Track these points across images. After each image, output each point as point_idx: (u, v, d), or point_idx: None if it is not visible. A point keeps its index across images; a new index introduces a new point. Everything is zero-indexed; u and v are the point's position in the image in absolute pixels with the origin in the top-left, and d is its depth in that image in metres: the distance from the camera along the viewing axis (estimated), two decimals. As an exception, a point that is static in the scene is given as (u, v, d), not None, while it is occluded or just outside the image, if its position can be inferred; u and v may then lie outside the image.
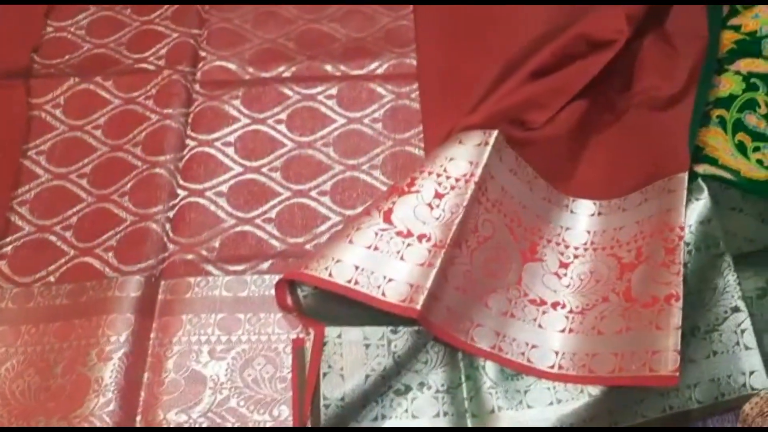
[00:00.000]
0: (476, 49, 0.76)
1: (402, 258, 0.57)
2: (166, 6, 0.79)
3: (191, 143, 0.70)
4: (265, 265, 0.64)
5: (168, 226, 0.65)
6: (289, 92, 0.74)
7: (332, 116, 0.73)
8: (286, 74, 0.75)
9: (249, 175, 0.68)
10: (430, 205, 0.59)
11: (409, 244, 0.57)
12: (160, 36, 0.77)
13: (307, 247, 0.64)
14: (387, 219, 0.58)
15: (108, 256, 0.63)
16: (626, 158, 0.66)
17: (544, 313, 0.60)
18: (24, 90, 0.72)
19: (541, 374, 0.57)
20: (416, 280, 0.55)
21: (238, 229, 0.65)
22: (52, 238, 0.64)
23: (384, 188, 0.68)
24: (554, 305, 0.60)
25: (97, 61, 0.75)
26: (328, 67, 0.76)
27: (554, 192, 0.65)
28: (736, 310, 0.57)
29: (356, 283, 0.56)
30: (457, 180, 0.60)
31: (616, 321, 0.57)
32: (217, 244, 0.64)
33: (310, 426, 0.55)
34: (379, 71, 0.76)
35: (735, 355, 0.56)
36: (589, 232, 0.64)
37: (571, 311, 0.60)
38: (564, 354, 0.57)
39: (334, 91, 0.74)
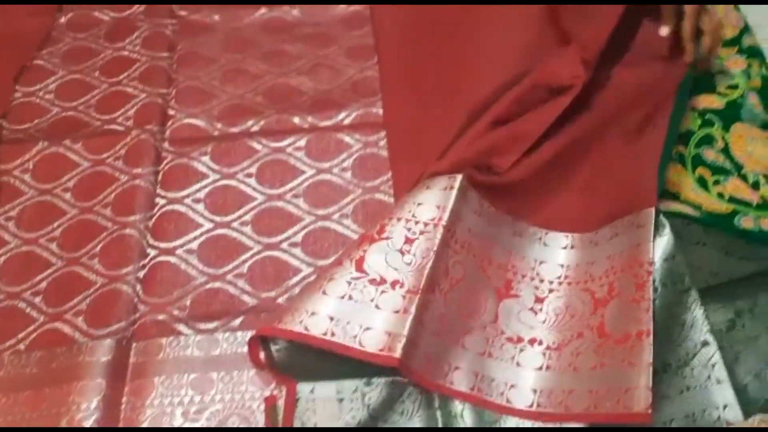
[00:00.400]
0: (440, 97, 0.77)
1: (377, 306, 0.57)
2: (134, 67, 0.81)
3: (161, 201, 0.70)
4: (237, 322, 0.63)
5: (138, 286, 0.65)
6: (258, 146, 0.75)
7: (301, 168, 0.74)
8: (255, 128, 0.76)
9: (219, 231, 0.69)
10: (401, 251, 0.59)
11: (383, 291, 0.58)
12: (128, 97, 0.78)
13: (279, 300, 0.64)
14: (359, 267, 0.59)
15: (78, 321, 0.62)
16: (596, 192, 0.67)
17: (521, 350, 0.60)
18: None
19: (520, 414, 0.57)
20: (393, 328, 0.55)
21: (209, 286, 0.65)
22: (22, 305, 0.64)
23: (355, 236, 0.69)
24: (531, 342, 0.61)
25: (66, 124, 0.76)
26: (297, 120, 0.77)
27: (524, 225, 0.65)
28: (705, 344, 0.58)
29: (332, 334, 0.55)
30: (425, 225, 0.61)
31: (590, 357, 0.57)
32: (188, 303, 0.64)
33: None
34: (347, 121, 0.77)
35: (708, 390, 0.57)
36: (562, 266, 0.64)
37: (548, 347, 0.60)
38: (542, 392, 0.58)
39: (302, 142, 0.75)
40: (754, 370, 0.61)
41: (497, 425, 0.56)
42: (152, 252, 0.67)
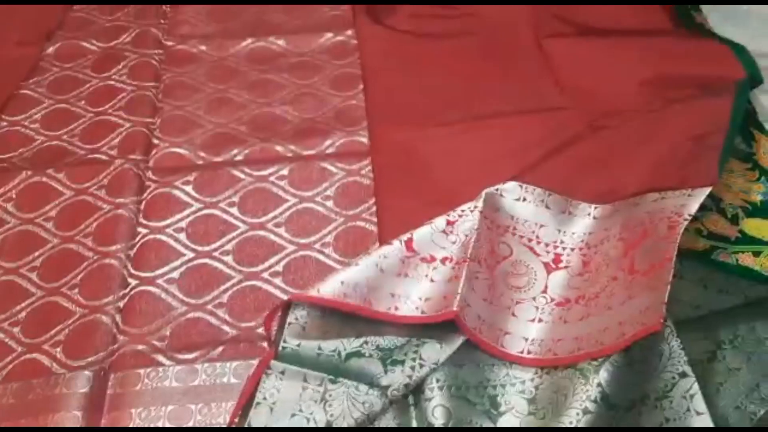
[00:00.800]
0: (428, 126, 0.79)
1: (432, 280, 0.62)
2: (120, 96, 0.82)
3: (143, 231, 0.71)
4: (216, 352, 0.63)
5: (118, 317, 0.65)
6: (241, 175, 0.75)
7: (284, 196, 0.74)
8: (239, 157, 0.77)
9: (200, 260, 0.69)
10: (444, 231, 0.64)
11: (434, 268, 0.63)
12: (113, 126, 0.79)
13: (259, 330, 0.64)
14: (409, 248, 0.63)
15: (56, 352, 0.62)
16: (657, 173, 0.68)
17: (568, 310, 0.64)
18: None
19: (563, 360, 0.60)
20: (448, 291, 0.60)
21: (190, 316, 0.65)
22: (0, 335, 0.64)
23: (336, 265, 0.69)
24: (577, 300, 0.64)
25: (50, 153, 0.77)
26: (280, 149, 0.78)
27: (573, 203, 0.67)
28: (683, 375, 0.58)
29: (396, 309, 0.61)
30: (462, 210, 0.65)
31: (621, 294, 0.61)
32: (167, 333, 0.64)
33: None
34: (330, 150, 0.78)
35: (687, 422, 0.57)
36: (607, 229, 0.67)
37: (589, 299, 0.64)
38: (580, 337, 0.61)
39: (285, 171, 0.76)
40: (736, 402, 0.61)
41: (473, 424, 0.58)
42: (133, 282, 0.67)
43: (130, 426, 0.59)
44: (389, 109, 0.81)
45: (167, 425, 0.59)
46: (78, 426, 0.57)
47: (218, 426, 0.59)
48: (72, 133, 0.79)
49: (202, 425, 0.59)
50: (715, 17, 0.91)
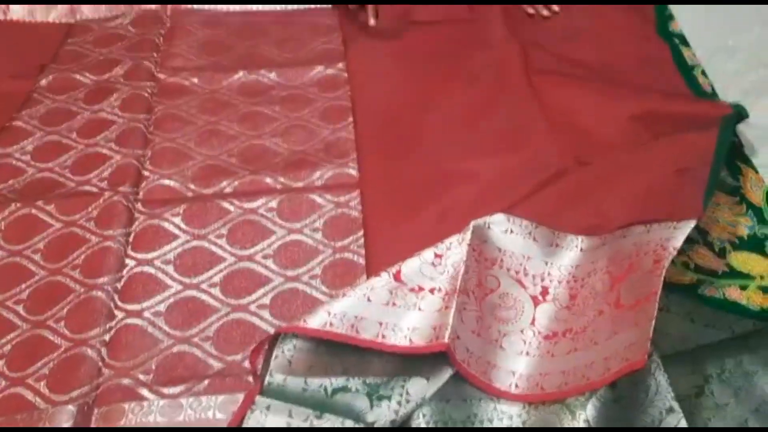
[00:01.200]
0: (417, 160, 0.81)
1: (420, 309, 0.62)
2: (111, 128, 0.84)
3: (130, 263, 0.71)
4: (202, 386, 0.63)
5: (104, 350, 0.65)
6: (230, 207, 0.76)
7: (272, 228, 0.75)
8: (228, 189, 0.79)
9: (188, 292, 0.70)
10: (432, 263, 0.65)
11: (423, 297, 0.63)
12: (104, 158, 0.81)
13: (245, 364, 0.65)
14: (397, 278, 0.64)
15: (40, 386, 0.62)
16: (642, 204, 0.69)
17: (556, 343, 0.64)
18: None
19: (549, 396, 0.61)
20: (437, 321, 0.60)
21: (176, 349, 0.66)
22: (-16, 368, 0.64)
23: (323, 298, 0.70)
24: (564, 333, 0.64)
25: (40, 185, 0.78)
26: (269, 180, 0.79)
27: (561, 235, 0.68)
28: (670, 411, 0.58)
29: (383, 337, 0.61)
30: (450, 243, 0.66)
31: (607, 329, 0.62)
32: (153, 366, 0.64)
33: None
34: (319, 182, 0.79)
35: (675, 457, 0.57)
36: (593, 262, 0.67)
37: (576, 333, 0.64)
38: (567, 372, 0.62)
39: (274, 203, 0.77)
40: (724, 438, 0.62)
41: None
42: (119, 314, 0.68)
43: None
44: (378, 143, 0.83)
45: (150, 461, 0.59)
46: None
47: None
48: (63, 165, 0.80)
49: (186, 461, 0.59)
50: (701, 52, 0.93)
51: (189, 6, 1.01)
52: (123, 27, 0.99)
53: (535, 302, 0.66)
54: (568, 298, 0.66)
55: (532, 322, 0.65)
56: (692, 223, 0.63)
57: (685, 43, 0.95)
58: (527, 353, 0.64)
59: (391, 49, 0.94)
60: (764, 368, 0.65)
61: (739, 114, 0.78)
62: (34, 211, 0.75)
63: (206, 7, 1.02)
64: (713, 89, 0.88)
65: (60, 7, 1.01)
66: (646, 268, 0.62)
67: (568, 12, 1.00)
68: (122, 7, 1.01)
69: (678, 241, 0.63)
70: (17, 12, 1.01)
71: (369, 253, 0.73)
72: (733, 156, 0.78)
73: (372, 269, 0.71)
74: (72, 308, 0.68)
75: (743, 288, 0.67)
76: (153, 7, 1.01)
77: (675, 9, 0.99)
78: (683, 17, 0.98)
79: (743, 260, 0.70)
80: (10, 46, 0.94)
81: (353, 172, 0.81)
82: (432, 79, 0.89)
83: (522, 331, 0.65)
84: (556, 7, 1.00)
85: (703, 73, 0.91)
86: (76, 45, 0.96)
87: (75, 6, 1.01)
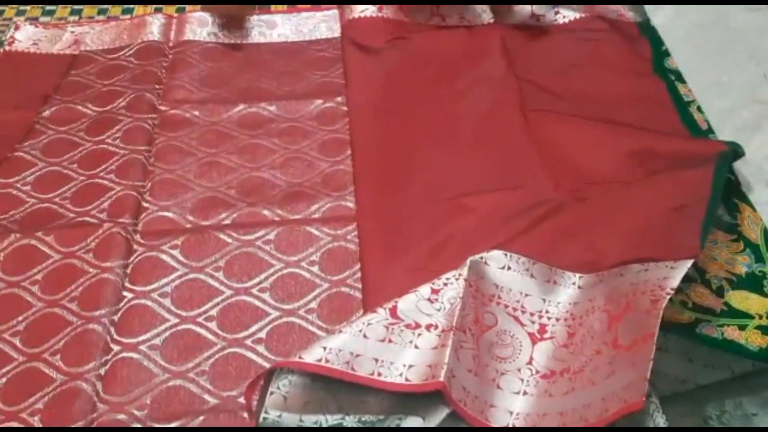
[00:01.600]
0: (415, 194, 0.82)
1: (416, 346, 0.63)
2: (112, 160, 0.85)
3: (128, 295, 0.72)
4: (197, 422, 0.64)
5: (99, 384, 0.65)
6: (228, 239, 0.78)
7: (270, 261, 0.76)
8: (227, 221, 0.80)
9: (184, 326, 0.70)
10: (429, 299, 0.65)
11: (419, 334, 0.63)
12: (104, 189, 0.82)
13: (241, 400, 0.65)
14: (393, 314, 0.64)
15: (34, 420, 0.63)
16: (638, 241, 0.70)
17: (553, 383, 0.64)
18: None
19: None
20: (434, 360, 0.60)
21: (171, 383, 0.66)
22: (-23, 402, 0.65)
23: (320, 333, 0.70)
24: (562, 373, 0.64)
25: (40, 215, 0.79)
26: (267, 213, 0.81)
27: (558, 272, 0.69)
28: (669, 453, 0.59)
29: (379, 374, 0.61)
30: (447, 278, 0.66)
31: (605, 369, 0.61)
32: (148, 401, 0.65)
33: None
34: (317, 215, 0.81)
35: (672, 498, 0.57)
36: (591, 300, 0.68)
37: (574, 372, 0.64)
38: (565, 412, 0.61)
39: (272, 236, 0.78)
40: (724, 480, 0.62)
41: None
42: (115, 348, 0.68)
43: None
44: (376, 176, 0.84)
45: (142, 499, 0.59)
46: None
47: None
48: (63, 196, 0.82)
49: (178, 499, 0.60)
50: (698, 88, 0.95)
51: (191, 38, 1.04)
52: (126, 59, 1.01)
53: (533, 340, 0.67)
54: (566, 337, 0.67)
55: (530, 361, 0.66)
56: (689, 263, 0.64)
57: (681, 79, 0.97)
58: (525, 392, 0.64)
59: (390, 83, 0.96)
60: (764, 410, 0.65)
61: (735, 151, 0.79)
62: (33, 241, 0.76)
63: (208, 39, 1.04)
64: (709, 125, 0.90)
65: (65, 38, 1.04)
66: (644, 308, 0.63)
67: (565, 47, 1.03)
68: (126, 39, 1.04)
69: (675, 281, 0.63)
70: (22, 43, 1.04)
71: (366, 287, 0.74)
72: (730, 193, 0.79)
73: (369, 303, 0.72)
74: (68, 341, 0.68)
75: (742, 328, 0.67)
76: (155, 39, 1.04)
77: (669, 45, 1.02)
78: (677, 53, 1.00)
79: (741, 299, 0.70)
80: (14, 77, 0.96)
81: (351, 205, 0.82)
82: (430, 113, 0.91)
83: (519, 370, 0.65)
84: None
85: (699, 109, 0.92)
86: (80, 76, 0.98)
87: (79, 38, 1.04)
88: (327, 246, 0.78)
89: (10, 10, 1.11)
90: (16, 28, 1.06)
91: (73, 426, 0.62)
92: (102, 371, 0.67)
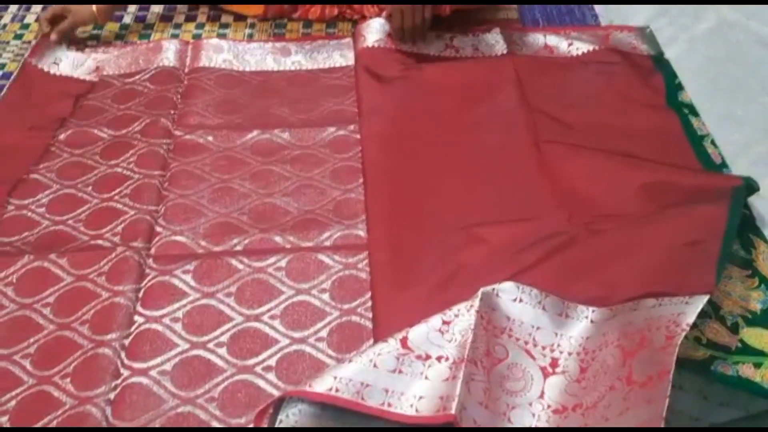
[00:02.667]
0: (427, 224, 0.84)
1: (426, 377, 0.64)
2: (126, 183, 0.89)
3: (139, 320, 0.74)
4: (205, 449, 0.65)
5: (108, 409, 0.67)
6: (240, 265, 0.80)
7: (281, 288, 0.78)
8: (238, 247, 0.82)
9: (194, 352, 0.72)
10: (440, 330, 0.67)
11: (430, 365, 0.65)
12: (118, 213, 0.85)
13: (250, 427, 0.67)
14: (404, 345, 0.66)
15: (43, 443, 0.65)
16: (652, 275, 0.71)
17: (565, 418, 0.65)
18: None
19: None
20: (445, 392, 0.62)
21: (180, 410, 0.68)
22: (-12, 424, 0.66)
23: (330, 361, 0.72)
24: (574, 408, 0.65)
25: (53, 238, 0.82)
26: (279, 239, 0.83)
27: (570, 305, 0.70)
28: (683, 492, 0.60)
29: (389, 405, 0.62)
30: (459, 310, 0.68)
31: (619, 405, 0.62)
32: (157, 427, 0.66)
33: None
34: (328, 243, 0.83)
35: None
36: (604, 334, 0.69)
37: (586, 408, 0.65)
38: None
39: (283, 263, 0.80)
40: None
41: None
42: (125, 372, 0.70)
43: None
44: (388, 205, 0.86)
45: None
46: None
47: None
48: (77, 219, 0.84)
49: None
50: (711, 122, 0.98)
51: (206, 65, 1.08)
52: (141, 83, 1.05)
53: (545, 374, 0.68)
54: (579, 371, 0.68)
55: (541, 395, 0.67)
56: (705, 299, 0.65)
57: (695, 113, 0.99)
58: (536, 427, 0.65)
59: (403, 112, 0.99)
60: (778, 449, 0.66)
61: (750, 186, 0.81)
62: (46, 264, 0.79)
63: (222, 66, 1.08)
64: (723, 159, 0.92)
65: (86, 65, 1.08)
66: (659, 344, 0.64)
67: (578, 79, 1.06)
68: (141, 64, 1.08)
69: (690, 317, 0.64)
70: (43, 59, 1.08)
71: (376, 317, 0.75)
72: (745, 228, 0.81)
73: (379, 333, 0.73)
74: (79, 365, 0.70)
75: (757, 366, 0.68)
76: (171, 65, 1.08)
77: (682, 79, 1.04)
78: (690, 87, 1.03)
79: (757, 336, 0.71)
80: (31, 96, 1.00)
81: (362, 233, 0.84)
82: (443, 144, 0.93)
83: (530, 404, 0.66)
84: None
85: (713, 143, 0.95)
86: (97, 100, 1.02)
87: (101, 65, 1.08)
88: (338, 274, 0.80)
89: (29, 34, 1.15)
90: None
91: (81, 450, 0.64)
92: (112, 396, 0.68)
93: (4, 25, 1.17)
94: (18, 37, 1.14)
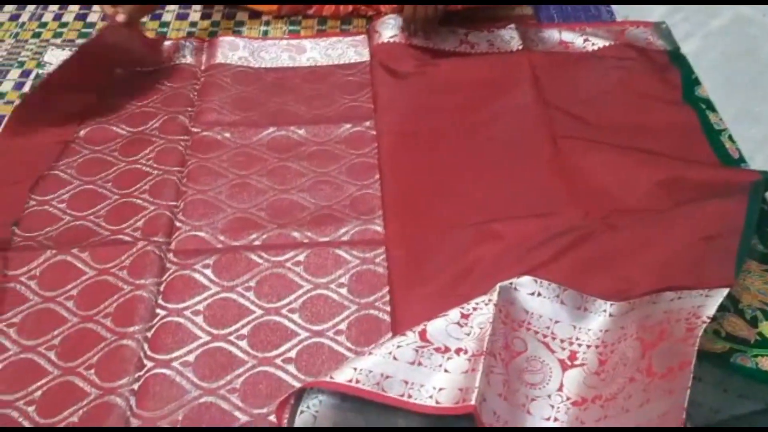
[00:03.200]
0: (443, 219, 0.86)
1: (446, 370, 0.66)
2: (146, 179, 0.91)
3: (161, 312, 0.77)
4: (228, 439, 0.68)
5: (132, 399, 0.69)
6: (259, 260, 0.82)
7: (299, 282, 0.80)
8: (257, 242, 0.84)
9: (216, 344, 0.74)
10: (458, 323, 0.68)
11: (449, 358, 0.66)
12: (138, 209, 0.87)
13: (271, 418, 0.69)
14: (423, 338, 0.67)
15: (69, 434, 0.67)
16: (670, 269, 0.72)
17: (585, 410, 0.66)
18: (1, 263, 0.81)
19: None
20: (464, 384, 0.63)
21: (203, 400, 0.70)
22: (14, 413, 0.69)
23: (349, 354, 0.74)
24: (594, 400, 0.67)
25: (75, 233, 0.85)
26: (296, 235, 0.85)
27: (589, 299, 0.72)
28: (702, 482, 0.61)
29: (409, 396, 0.64)
30: (477, 303, 0.70)
31: (639, 397, 0.64)
32: (180, 417, 0.69)
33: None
34: (345, 238, 0.85)
35: None
36: (623, 327, 0.70)
37: (606, 400, 0.66)
38: None
39: (302, 257, 0.83)
40: None
41: None
42: (149, 364, 0.72)
43: None
44: (404, 202, 0.88)
45: None
46: None
47: None
48: (98, 214, 0.87)
49: None
50: (729, 117, 0.99)
51: (222, 62, 1.10)
52: (159, 81, 1.07)
53: (563, 367, 0.70)
54: (598, 364, 0.69)
55: (560, 388, 0.68)
56: (725, 292, 0.66)
57: (712, 108, 1.01)
58: (555, 419, 0.67)
59: (419, 108, 1.01)
60: (797, 441, 0.67)
61: None
62: (69, 258, 0.81)
63: (238, 63, 1.10)
64: (741, 155, 0.94)
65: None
66: (679, 336, 0.65)
67: (594, 74, 1.07)
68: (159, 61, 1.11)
69: (710, 309, 0.65)
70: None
71: (394, 311, 0.77)
72: (764, 223, 0.82)
73: (397, 327, 0.75)
74: (102, 356, 0.73)
75: (776, 358, 0.70)
76: (187, 62, 1.10)
77: (699, 73, 1.06)
78: (707, 82, 1.04)
79: (775, 330, 0.73)
80: (54, 99, 1.02)
81: (379, 228, 0.86)
82: (459, 139, 0.95)
83: (549, 396, 0.68)
84: None
85: (730, 138, 0.96)
86: (116, 97, 1.04)
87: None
88: (356, 269, 0.82)
89: (47, 32, 1.18)
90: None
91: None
92: (135, 386, 0.71)
93: (23, 24, 1.20)
94: (36, 35, 1.17)
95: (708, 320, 0.65)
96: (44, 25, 1.20)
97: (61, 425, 0.67)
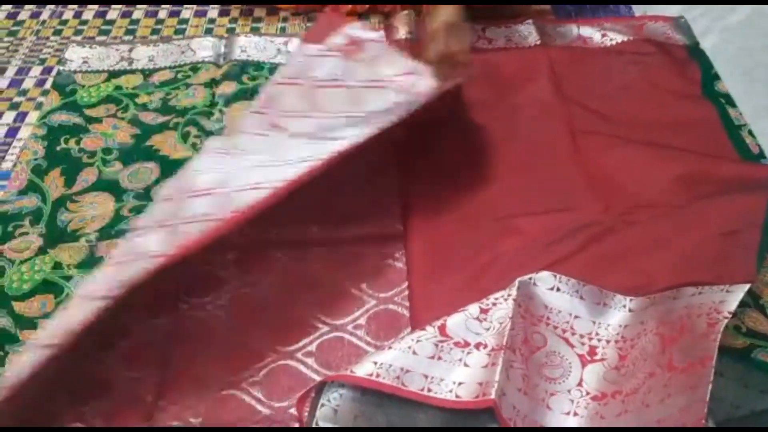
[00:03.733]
0: (458, 209, 0.86)
1: (466, 364, 0.66)
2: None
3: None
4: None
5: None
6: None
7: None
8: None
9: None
10: (478, 318, 0.69)
11: (469, 352, 0.67)
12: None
13: (292, 411, 0.69)
14: (443, 332, 0.68)
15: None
16: (690, 264, 0.73)
17: (605, 405, 0.67)
18: None
19: None
20: (484, 378, 0.64)
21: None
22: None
23: (368, 348, 0.75)
24: (614, 395, 0.67)
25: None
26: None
27: (608, 294, 0.72)
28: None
29: (429, 390, 0.64)
30: (496, 299, 0.70)
31: (660, 391, 0.64)
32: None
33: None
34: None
35: None
36: (642, 322, 0.71)
37: (626, 395, 0.66)
38: None
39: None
40: (777, 505, 0.64)
41: None
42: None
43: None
44: (423, 197, 0.88)
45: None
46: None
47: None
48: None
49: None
50: (748, 112, 0.98)
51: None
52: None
53: (583, 362, 0.70)
54: (618, 359, 0.69)
55: (580, 383, 0.68)
56: (746, 287, 0.66)
57: (731, 103, 1.00)
58: (575, 414, 0.67)
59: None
60: (817, 436, 0.67)
61: None
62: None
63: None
64: (761, 149, 0.93)
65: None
66: (700, 331, 0.65)
67: (613, 69, 1.06)
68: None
69: (731, 305, 0.65)
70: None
71: (413, 305, 0.78)
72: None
73: (416, 321, 0.76)
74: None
75: (797, 354, 0.69)
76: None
77: (719, 69, 1.05)
78: (726, 77, 1.03)
79: (795, 326, 0.73)
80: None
81: (398, 224, 0.86)
82: (478, 133, 0.95)
83: (569, 391, 0.68)
84: None
85: (750, 133, 0.95)
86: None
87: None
88: (375, 264, 0.82)
89: (68, 29, 1.19)
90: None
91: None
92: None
93: (44, 21, 1.21)
94: (57, 32, 1.18)
95: (729, 316, 0.64)
96: (65, 22, 1.21)
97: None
